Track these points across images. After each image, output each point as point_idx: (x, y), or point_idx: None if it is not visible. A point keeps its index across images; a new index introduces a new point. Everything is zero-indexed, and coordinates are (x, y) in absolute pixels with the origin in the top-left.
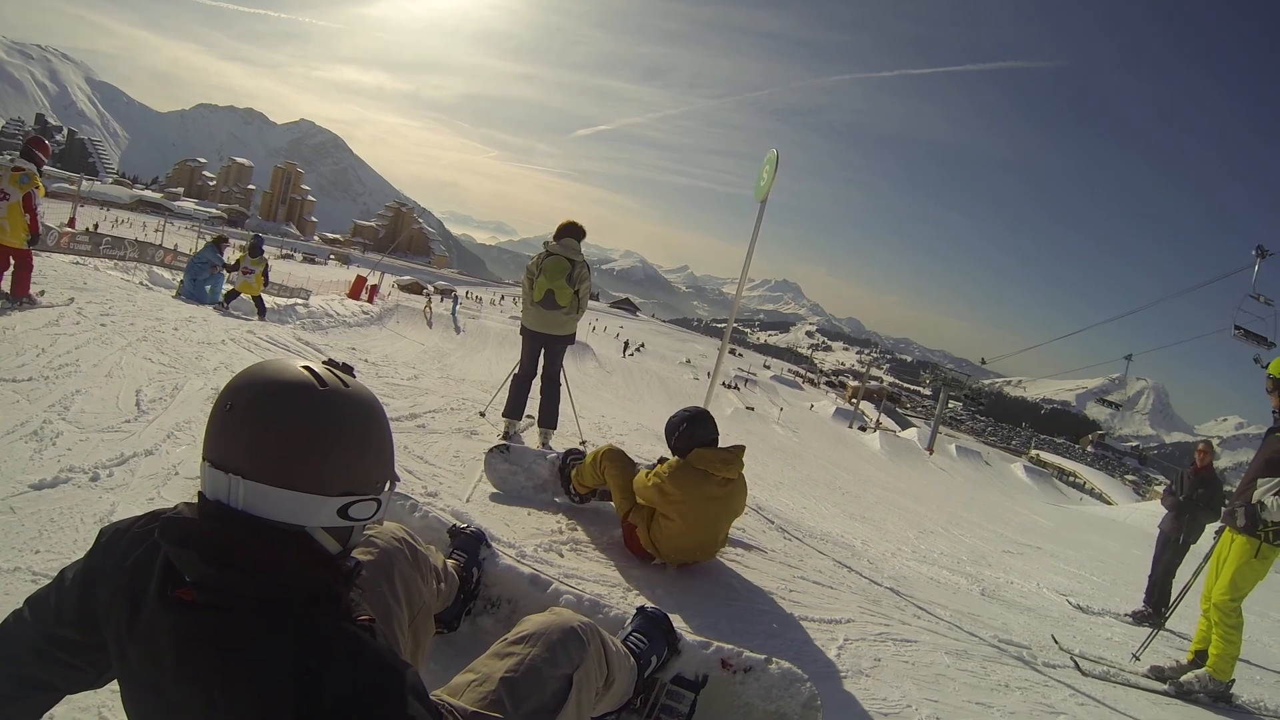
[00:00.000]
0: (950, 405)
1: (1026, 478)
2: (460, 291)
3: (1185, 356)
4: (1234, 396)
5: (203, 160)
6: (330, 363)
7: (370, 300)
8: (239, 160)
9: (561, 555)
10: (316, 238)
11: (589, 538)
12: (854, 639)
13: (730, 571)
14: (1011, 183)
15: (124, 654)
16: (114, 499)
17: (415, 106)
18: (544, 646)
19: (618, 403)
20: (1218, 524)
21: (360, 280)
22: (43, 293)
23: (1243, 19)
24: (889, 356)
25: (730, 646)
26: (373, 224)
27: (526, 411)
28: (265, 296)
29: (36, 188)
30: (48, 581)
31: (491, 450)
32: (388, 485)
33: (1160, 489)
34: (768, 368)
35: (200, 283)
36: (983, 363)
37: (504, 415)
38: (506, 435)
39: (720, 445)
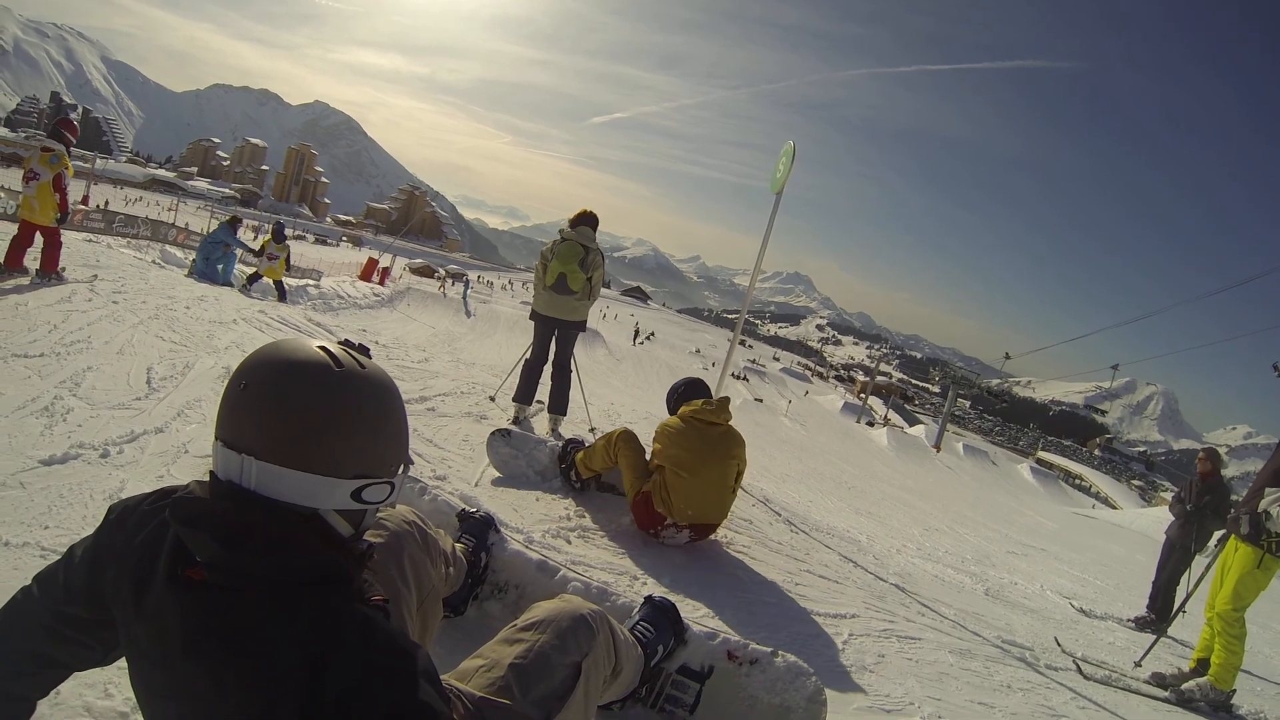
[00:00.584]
0: (959, 403)
1: (1033, 479)
2: (472, 276)
3: (1195, 363)
4: (1244, 406)
5: (217, 140)
6: (346, 343)
7: (382, 282)
8: (253, 141)
9: (569, 542)
10: (329, 219)
11: (597, 525)
12: (859, 634)
13: (737, 563)
14: (1026, 182)
15: (132, 632)
16: (124, 476)
17: (430, 90)
18: (553, 633)
19: (627, 390)
20: (1222, 530)
21: (372, 262)
22: (63, 269)
23: (1263, 27)
24: (899, 352)
25: (736, 638)
26: (386, 207)
27: (537, 397)
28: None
29: (66, 168)
30: (57, 557)
31: (494, 433)
32: (401, 468)
33: (1167, 495)
34: (777, 360)
35: (213, 261)
36: (1006, 357)
37: (514, 400)
38: (516, 420)
39: None
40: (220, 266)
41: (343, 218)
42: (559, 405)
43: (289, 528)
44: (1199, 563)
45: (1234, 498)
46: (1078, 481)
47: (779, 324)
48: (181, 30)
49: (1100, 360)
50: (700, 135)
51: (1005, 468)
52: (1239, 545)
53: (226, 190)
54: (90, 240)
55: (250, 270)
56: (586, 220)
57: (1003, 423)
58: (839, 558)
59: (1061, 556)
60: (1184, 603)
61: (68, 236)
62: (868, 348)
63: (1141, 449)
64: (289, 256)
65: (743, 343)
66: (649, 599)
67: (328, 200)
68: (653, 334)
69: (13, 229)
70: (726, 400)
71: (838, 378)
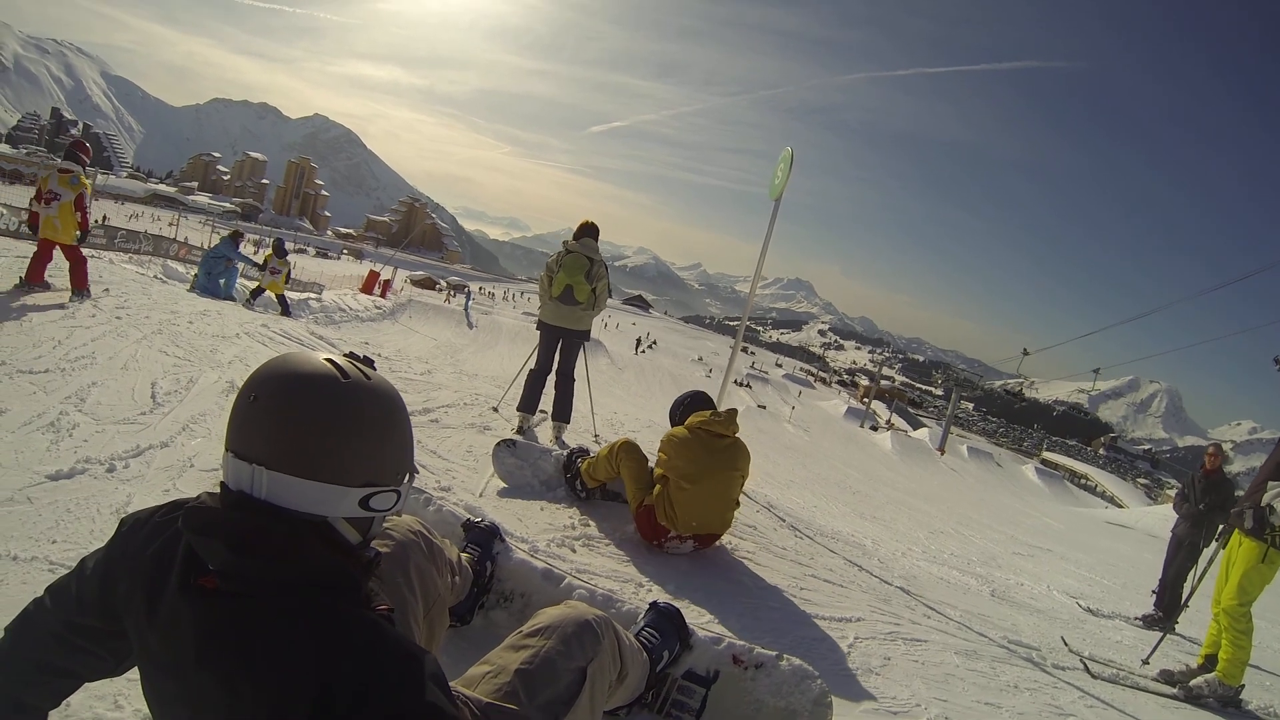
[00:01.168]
0: (962, 405)
1: (1038, 479)
2: (473, 287)
3: (1199, 360)
4: (1248, 401)
5: (217, 155)
6: (351, 356)
7: (383, 295)
8: (253, 155)
9: (574, 550)
10: (330, 232)
11: (602, 533)
12: (864, 637)
13: (741, 568)
14: (1025, 183)
15: (145, 642)
16: (130, 490)
17: (429, 102)
18: (559, 639)
19: (629, 399)
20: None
21: (373, 275)
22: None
23: (1262, 25)
24: (901, 356)
25: (742, 643)
26: (386, 219)
27: (540, 407)
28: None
29: (85, 188)
30: (65, 571)
31: (499, 444)
32: (407, 477)
33: (1172, 493)
34: (780, 366)
35: (215, 276)
36: (1025, 353)
37: (518, 410)
38: (520, 430)
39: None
40: (222, 281)
41: (343, 230)
42: (563, 413)
43: (299, 535)
44: (1204, 558)
45: (1238, 492)
46: (1083, 481)
47: (781, 330)
48: (181, 45)
49: (1099, 359)
50: (699, 142)
51: (1010, 469)
52: (1243, 540)
53: (227, 205)
54: (92, 256)
55: (253, 285)
56: (589, 232)
57: (1007, 424)
58: (844, 562)
59: (1068, 556)
60: (1188, 598)
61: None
62: (870, 352)
63: (1146, 447)
64: (290, 271)
65: (745, 349)
66: (654, 605)
67: (328, 213)
68: (655, 342)
69: (14, 245)
70: (734, 412)
71: (841, 383)
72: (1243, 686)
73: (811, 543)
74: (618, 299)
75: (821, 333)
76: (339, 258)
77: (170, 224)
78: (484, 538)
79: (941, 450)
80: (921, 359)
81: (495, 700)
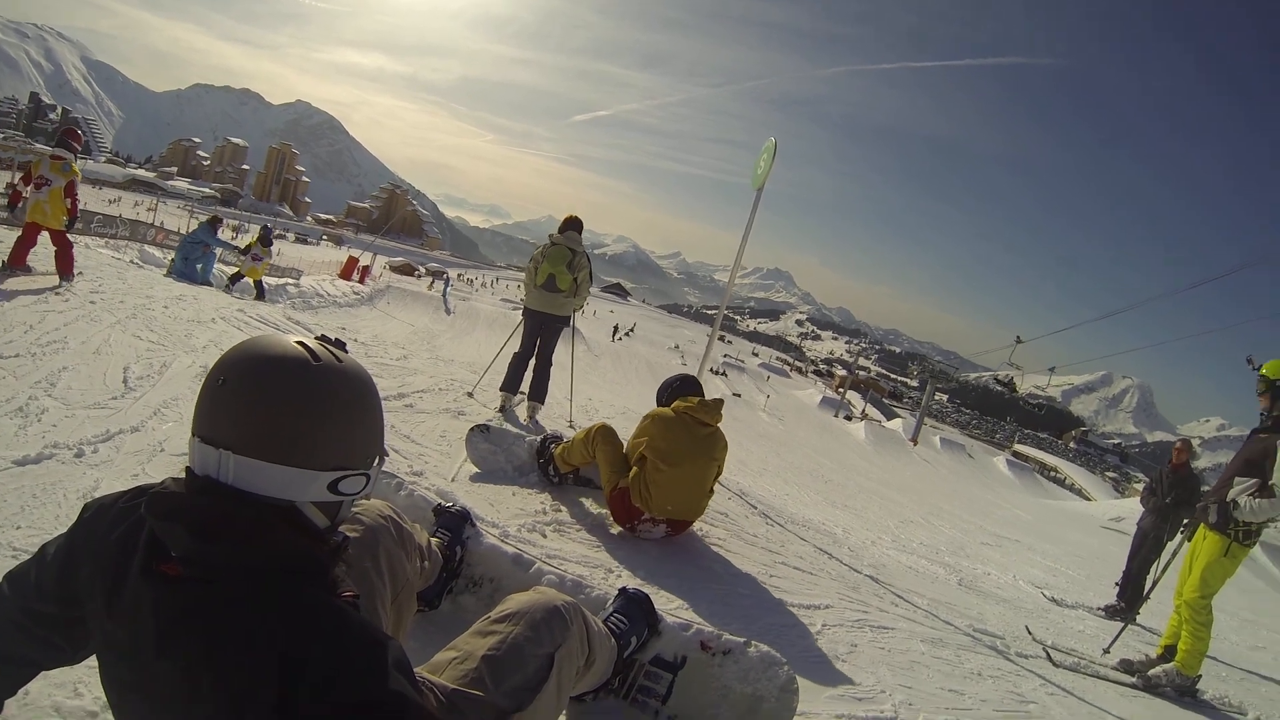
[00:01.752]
0: (936, 397)
1: (1009, 471)
2: (452, 274)
3: (1171, 356)
4: (1218, 398)
5: (197, 140)
6: (323, 338)
7: (361, 281)
8: (234, 140)
9: (545, 536)
10: (310, 218)
11: (573, 519)
12: (832, 624)
13: (712, 555)
14: (1005, 177)
15: (105, 629)
16: (98, 475)
17: (413, 89)
18: (527, 625)
19: (605, 386)
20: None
21: (352, 261)
22: (81, 273)
23: (1244, 21)
24: (878, 347)
25: (710, 629)
26: (367, 205)
27: (521, 388)
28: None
29: (76, 175)
30: (28, 557)
31: (473, 429)
32: (377, 460)
33: (1139, 486)
34: (756, 355)
35: (192, 261)
36: (1018, 341)
37: (500, 389)
38: (501, 409)
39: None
40: (199, 266)
41: (324, 216)
42: (539, 394)
43: (265, 520)
44: (1167, 551)
45: (1204, 488)
46: (1053, 474)
47: (759, 319)
48: (165, 31)
49: (1076, 354)
50: (682, 132)
51: (981, 460)
52: (1207, 533)
53: (206, 190)
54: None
55: (233, 270)
56: (573, 225)
57: (980, 416)
58: (814, 550)
59: (1035, 547)
60: (1150, 590)
61: (41, 238)
62: (847, 342)
63: (1116, 441)
64: (270, 260)
65: (722, 338)
66: (623, 591)
67: (309, 199)
68: (632, 329)
69: None
70: (721, 402)
71: (816, 372)
72: (1199, 677)
73: (783, 530)
74: (596, 286)
75: (799, 322)
76: (318, 243)
77: (149, 209)
78: (454, 522)
79: (914, 441)
80: (898, 350)
81: (461, 687)
